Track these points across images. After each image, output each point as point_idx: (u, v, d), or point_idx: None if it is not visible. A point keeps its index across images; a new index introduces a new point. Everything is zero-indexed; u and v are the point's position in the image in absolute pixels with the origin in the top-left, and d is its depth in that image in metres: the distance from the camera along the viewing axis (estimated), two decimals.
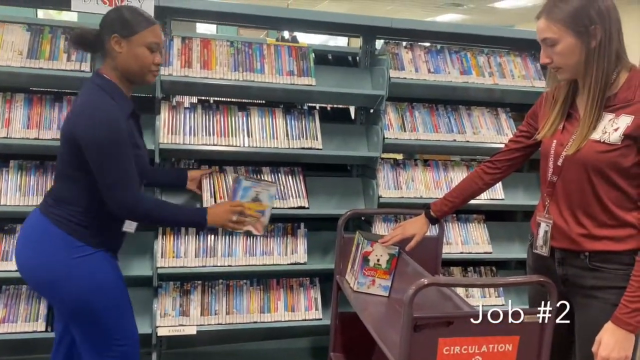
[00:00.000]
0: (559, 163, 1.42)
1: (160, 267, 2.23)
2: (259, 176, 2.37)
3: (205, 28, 8.42)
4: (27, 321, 2.21)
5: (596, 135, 1.34)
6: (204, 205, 2.20)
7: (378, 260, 1.78)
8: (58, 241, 1.58)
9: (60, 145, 1.62)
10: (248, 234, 1.77)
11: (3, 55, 2.09)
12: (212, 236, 2.33)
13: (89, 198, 1.59)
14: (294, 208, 2.35)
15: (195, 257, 2.29)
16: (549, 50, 1.36)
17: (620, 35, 1.33)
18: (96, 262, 1.62)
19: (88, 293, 1.60)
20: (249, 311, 2.38)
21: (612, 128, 1.32)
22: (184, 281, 2.36)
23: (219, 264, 2.30)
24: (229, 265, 2.31)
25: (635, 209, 1.35)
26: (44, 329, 2.21)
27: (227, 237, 2.34)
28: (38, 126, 2.14)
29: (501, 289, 2.70)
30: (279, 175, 2.40)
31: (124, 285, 1.71)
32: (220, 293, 2.38)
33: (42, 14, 7.92)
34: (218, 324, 2.33)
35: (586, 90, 1.36)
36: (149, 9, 2.10)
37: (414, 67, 2.47)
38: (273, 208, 2.31)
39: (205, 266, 2.29)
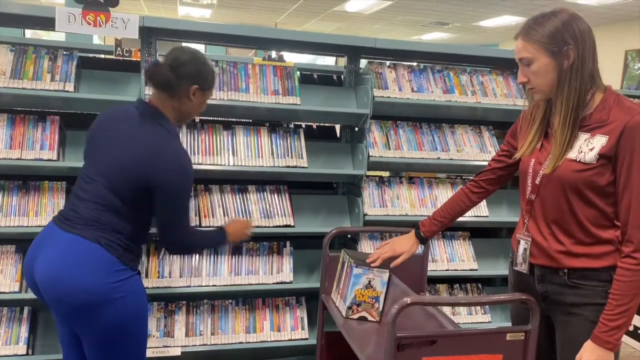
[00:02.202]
0: (537, 181, 1.44)
1: (145, 288, 2.21)
2: (245, 195, 2.37)
3: (193, 46, 8.48)
4: (7, 344, 2.17)
5: (572, 154, 1.37)
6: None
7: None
8: (107, 264, 1.60)
9: (122, 188, 1.64)
10: (363, 320, 1.80)
11: None
12: (197, 256, 2.31)
13: (135, 226, 1.69)
14: (279, 226, 2.35)
15: (180, 277, 2.27)
16: (526, 70, 1.40)
17: (594, 58, 1.36)
18: (137, 284, 1.69)
19: (129, 316, 1.63)
20: (234, 331, 2.35)
21: (587, 148, 1.35)
22: (169, 301, 2.34)
23: (203, 284, 2.29)
24: (214, 285, 2.30)
25: (612, 226, 1.37)
26: (24, 353, 2.17)
27: (212, 257, 2.33)
28: (21, 146, 2.13)
29: (487, 305, 2.71)
30: (265, 193, 2.40)
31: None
32: (205, 313, 2.36)
33: (30, 33, 7.92)
34: (203, 345, 2.31)
35: (559, 109, 1.39)
36: (134, 29, 2.11)
37: (398, 86, 2.50)
38: (260, 227, 2.31)
39: (190, 286, 2.27)
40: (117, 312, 1.59)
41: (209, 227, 2.25)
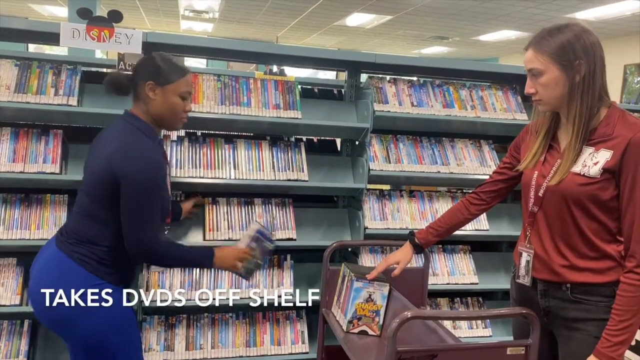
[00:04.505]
0: (540, 194, 1.44)
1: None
2: (250, 207, 2.38)
3: (195, 60, 8.55)
4: (7, 358, 2.16)
5: (576, 168, 1.37)
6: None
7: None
8: (79, 279, 1.61)
9: (91, 186, 1.64)
10: (363, 334, 1.80)
11: None
12: (197, 269, 2.31)
13: (114, 237, 1.62)
14: (282, 240, 2.36)
15: (181, 290, 2.27)
16: (534, 81, 1.39)
17: (603, 73, 1.36)
18: (114, 296, 1.65)
19: (106, 328, 1.63)
20: (234, 345, 2.35)
21: (592, 162, 1.35)
22: (169, 315, 2.33)
23: (204, 297, 2.28)
24: (214, 299, 2.29)
25: (615, 241, 1.37)
26: None
27: (212, 270, 2.33)
28: (24, 160, 2.14)
29: (488, 320, 2.70)
30: (270, 206, 2.41)
31: (136, 322, 1.76)
32: (206, 327, 2.35)
33: (32, 47, 7.99)
34: (203, 359, 2.30)
35: (570, 123, 1.39)
36: (137, 44, 2.14)
37: (398, 101, 2.52)
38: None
39: (190, 299, 2.27)
40: (91, 325, 1.61)
41: (213, 240, 2.26)
